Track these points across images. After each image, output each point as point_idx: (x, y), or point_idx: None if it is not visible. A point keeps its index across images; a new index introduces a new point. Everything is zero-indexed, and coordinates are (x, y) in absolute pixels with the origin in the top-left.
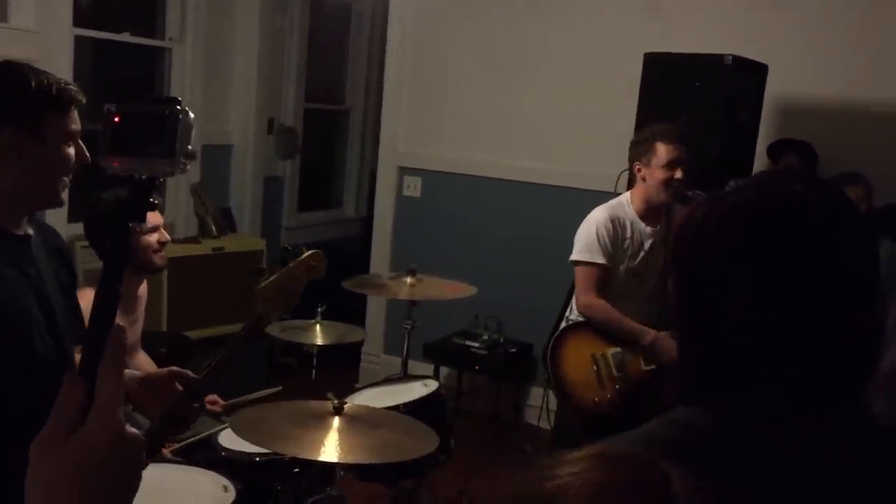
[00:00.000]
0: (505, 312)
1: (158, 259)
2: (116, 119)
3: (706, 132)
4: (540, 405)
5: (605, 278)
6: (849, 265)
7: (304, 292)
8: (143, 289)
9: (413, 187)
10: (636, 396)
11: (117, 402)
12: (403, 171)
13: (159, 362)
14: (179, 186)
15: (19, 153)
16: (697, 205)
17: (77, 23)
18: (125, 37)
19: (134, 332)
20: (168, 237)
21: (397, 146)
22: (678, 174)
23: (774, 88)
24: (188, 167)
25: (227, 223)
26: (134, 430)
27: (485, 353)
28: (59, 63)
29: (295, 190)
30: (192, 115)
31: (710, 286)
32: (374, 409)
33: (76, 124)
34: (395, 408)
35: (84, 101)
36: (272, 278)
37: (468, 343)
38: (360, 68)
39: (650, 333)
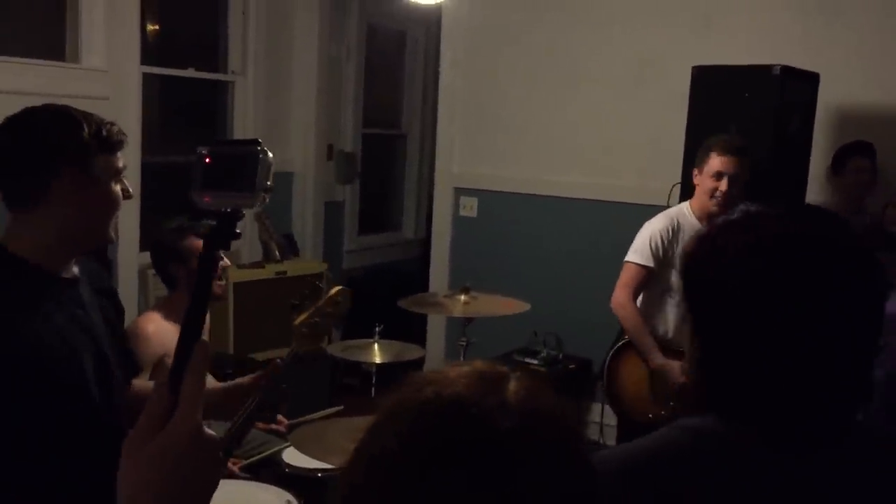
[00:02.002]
0: (563, 328)
1: (217, 288)
2: (207, 160)
3: (757, 143)
4: (599, 421)
5: (648, 281)
6: (848, 294)
7: (360, 315)
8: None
9: (469, 207)
10: None
11: (198, 406)
12: (459, 191)
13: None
14: (244, 214)
15: (75, 195)
16: (709, 230)
17: (144, 61)
18: (190, 72)
19: None
20: (228, 262)
21: (452, 167)
22: (722, 186)
23: (827, 97)
24: (268, 200)
25: (290, 248)
26: (211, 431)
27: (544, 369)
28: (128, 99)
29: (355, 214)
30: (271, 154)
31: (723, 310)
32: None
33: (122, 163)
34: None
35: (127, 141)
36: (304, 315)
37: (527, 360)
38: (416, 92)
39: (658, 358)
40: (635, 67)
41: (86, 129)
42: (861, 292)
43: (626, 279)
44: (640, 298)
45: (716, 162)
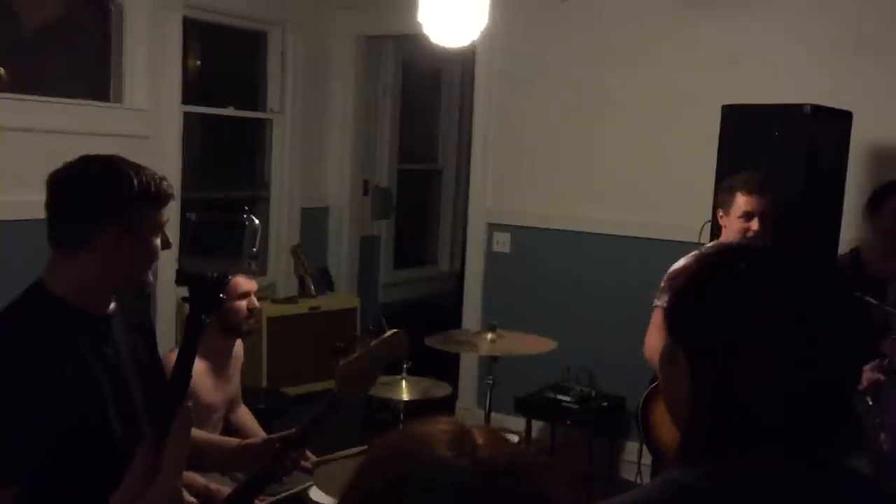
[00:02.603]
0: (596, 365)
1: (247, 325)
2: (196, 226)
3: (788, 181)
4: (636, 461)
5: None
6: (824, 326)
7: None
8: (238, 349)
9: (502, 243)
10: None
11: (178, 473)
12: (493, 227)
13: (260, 416)
14: (281, 249)
15: (117, 246)
16: (689, 271)
17: (185, 100)
18: (230, 111)
19: (231, 390)
20: (257, 304)
21: (486, 203)
22: (753, 226)
23: (861, 134)
24: (253, 266)
25: (325, 283)
26: (192, 499)
27: (576, 406)
28: (169, 138)
29: (391, 248)
30: (257, 221)
31: (706, 352)
32: None
33: (167, 216)
34: None
35: (174, 195)
36: (352, 358)
37: (559, 397)
38: (451, 128)
39: None
40: (666, 105)
41: (136, 185)
42: (846, 320)
43: (654, 324)
44: None
45: (743, 202)
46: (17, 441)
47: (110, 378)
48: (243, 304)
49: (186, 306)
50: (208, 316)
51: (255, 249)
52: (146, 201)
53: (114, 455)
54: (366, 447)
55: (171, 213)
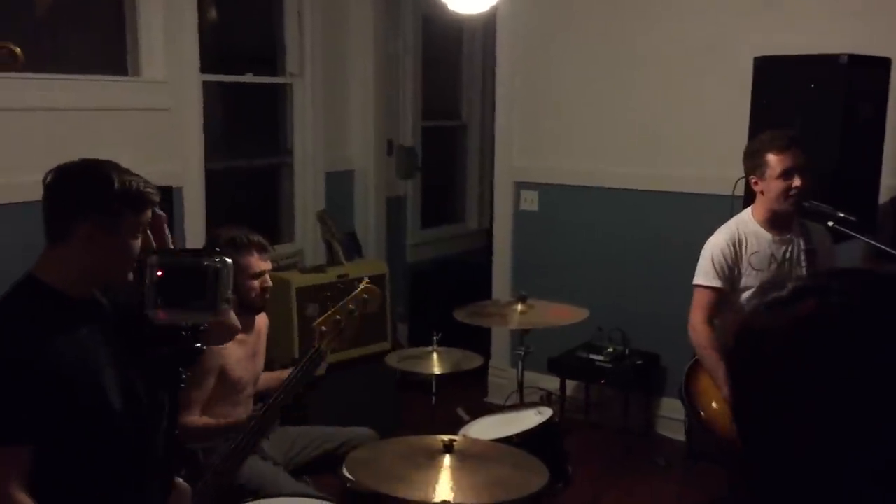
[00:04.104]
0: (629, 323)
1: (262, 301)
2: (160, 273)
3: (824, 134)
4: (672, 417)
5: (720, 302)
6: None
7: (427, 308)
8: (262, 323)
9: (530, 201)
10: None
11: None
12: (520, 185)
13: None
14: (307, 216)
15: (93, 242)
16: (752, 314)
17: (203, 69)
18: (248, 77)
19: (256, 364)
20: (270, 284)
21: (512, 161)
22: (796, 182)
23: None
24: (230, 309)
25: (353, 247)
26: None
27: (610, 365)
28: (189, 108)
29: (417, 208)
30: (229, 261)
31: (774, 406)
32: (485, 443)
33: (148, 219)
34: (508, 439)
35: (158, 201)
36: (327, 314)
37: (592, 356)
38: (475, 84)
39: (726, 388)
40: (696, 55)
41: (114, 186)
42: None
43: (696, 302)
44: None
45: (777, 161)
46: (15, 407)
47: (104, 356)
48: (256, 283)
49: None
50: (187, 370)
51: (229, 293)
52: (126, 203)
53: (114, 427)
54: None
55: (196, 186)
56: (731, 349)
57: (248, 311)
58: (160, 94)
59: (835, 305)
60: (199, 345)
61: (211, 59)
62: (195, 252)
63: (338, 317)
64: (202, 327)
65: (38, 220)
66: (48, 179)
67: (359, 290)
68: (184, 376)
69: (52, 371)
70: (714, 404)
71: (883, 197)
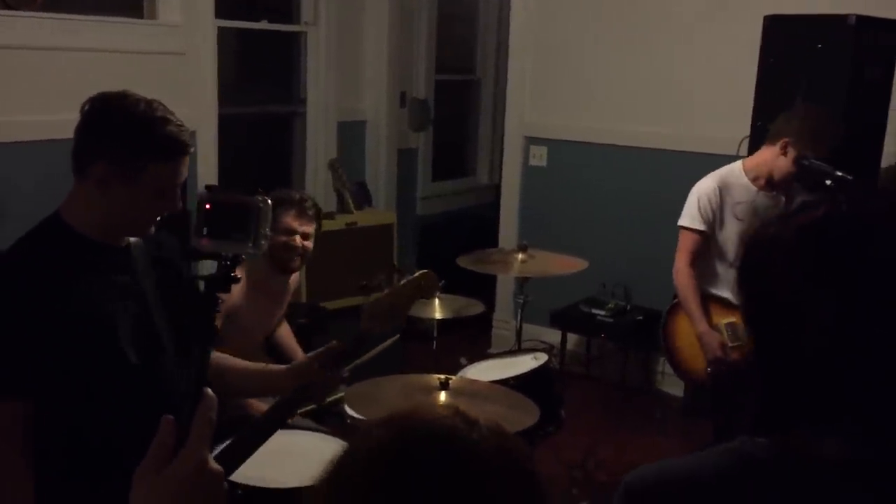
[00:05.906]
0: (632, 279)
1: (293, 263)
2: (208, 206)
3: (830, 95)
4: (670, 373)
5: (704, 245)
6: None
7: (436, 261)
8: (291, 284)
9: (539, 157)
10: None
11: (205, 443)
12: (529, 140)
13: (300, 331)
14: (318, 164)
15: (106, 185)
16: (764, 226)
17: (219, 14)
18: (263, 24)
19: (275, 320)
20: (310, 247)
21: (523, 116)
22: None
23: None
24: (266, 246)
25: (363, 197)
26: (216, 466)
27: (611, 320)
28: (204, 53)
29: (428, 160)
30: (270, 202)
31: (784, 312)
32: (480, 383)
33: (180, 175)
34: (505, 381)
35: (191, 151)
36: (380, 296)
37: (594, 311)
38: (490, 38)
39: (701, 325)
40: (705, 12)
41: (139, 128)
42: None
43: (680, 244)
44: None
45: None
46: (22, 358)
47: (125, 306)
48: (297, 240)
49: (202, 283)
50: (221, 293)
51: (268, 231)
52: (148, 148)
53: (129, 380)
54: (395, 338)
55: (210, 131)
56: (742, 260)
57: (277, 270)
58: (175, 38)
59: (842, 212)
60: (235, 275)
61: (226, 4)
62: (240, 191)
63: (393, 301)
64: (240, 259)
65: (55, 158)
66: (82, 108)
67: (417, 275)
68: (220, 302)
69: (52, 319)
70: (686, 346)
71: (885, 162)
